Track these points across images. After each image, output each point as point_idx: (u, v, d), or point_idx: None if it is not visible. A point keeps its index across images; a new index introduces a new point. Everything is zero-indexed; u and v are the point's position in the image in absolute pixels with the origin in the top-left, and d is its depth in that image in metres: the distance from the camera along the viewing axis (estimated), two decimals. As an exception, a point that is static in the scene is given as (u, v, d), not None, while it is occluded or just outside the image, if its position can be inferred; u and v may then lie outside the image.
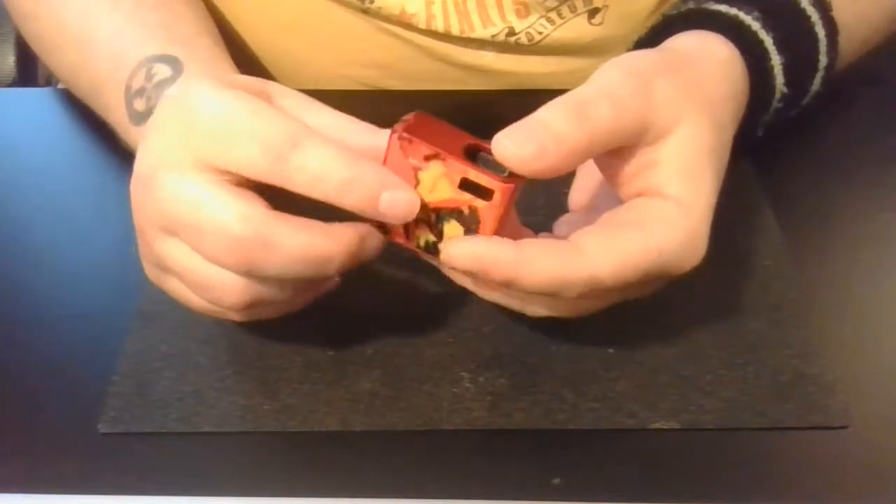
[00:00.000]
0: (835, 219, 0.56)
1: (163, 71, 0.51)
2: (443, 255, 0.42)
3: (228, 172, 0.41)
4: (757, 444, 0.45)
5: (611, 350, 0.48)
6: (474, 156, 0.42)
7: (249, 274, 0.41)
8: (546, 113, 0.41)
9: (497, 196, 0.41)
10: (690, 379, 0.47)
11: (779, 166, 0.58)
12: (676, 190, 0.43)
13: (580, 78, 0.46)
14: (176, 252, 0.42)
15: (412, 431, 0.45)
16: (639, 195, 0.44)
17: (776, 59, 0.53)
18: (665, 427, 0.45)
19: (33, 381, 0.48)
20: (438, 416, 0.46)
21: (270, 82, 0.45)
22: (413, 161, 0.41)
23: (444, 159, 0.41)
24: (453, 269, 0.42)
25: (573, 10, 0.64)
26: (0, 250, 0.55)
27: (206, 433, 0.45)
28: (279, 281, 0.42)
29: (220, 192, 0.41)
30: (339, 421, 0.45)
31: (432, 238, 0.43)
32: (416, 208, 0.41)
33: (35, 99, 0.70)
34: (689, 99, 0.45)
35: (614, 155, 0.44)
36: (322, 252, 0.41)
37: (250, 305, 0.43)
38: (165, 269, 0.44)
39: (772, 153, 0.57)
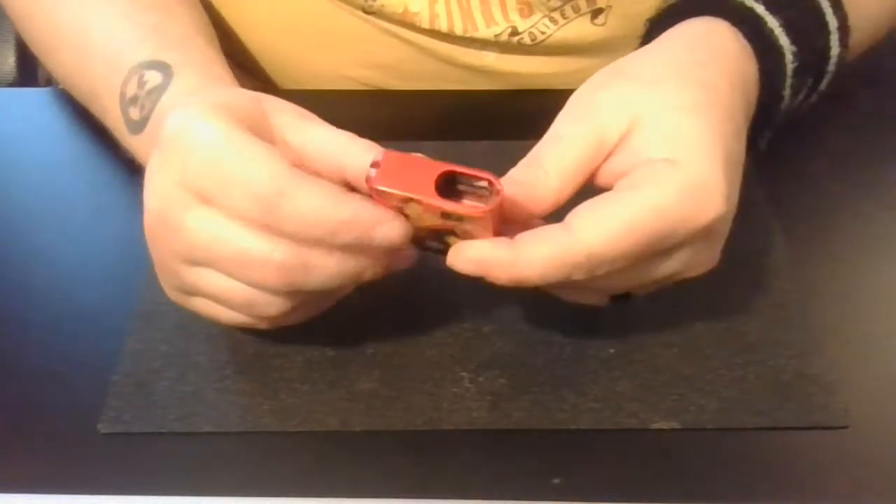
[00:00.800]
0: (835, 219, 0.56)
1: (154, 78, 0.51)
2: (448, 261, 0.43)
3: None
4: (757, 444, 0.45)
5: (611, 350, 0.48)
6: (453, 181, 0.41)
7: (291, 293, 0.43)
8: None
9: (479, 220, 0.41)
10: (690, 379, 0.47)
11: (779, 166, 0.58)
12: (661, 151, 0.43)
13: (582, 78, 0.46)
14: (208, 279, 0.43)
15: (412, 431, 0.45)
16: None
17: (773, 22, 0.52)
18: (665, 427, 0.45)
19: (33, 381, 0.48)
20: (438, 416, 0.46)
21: (266, 96, 0.45)
22: (393, 204, 0.41)
23: (418, 202, 0.41)
24: (459, 271, 0.43)
25: (576, 10, 0.64)
26: (0, 250, 0.55)
27: (206, 433, 0.45)
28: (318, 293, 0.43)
29: (244, 224, 0.41)
30: (339, 421, 0.45)
31: (441, 246, 0.43)
32: (409, 236, 0.42)
33: (35, 99, 0.70)
34: (644, 84, 0.45)
35: (603, 174, 0.45)
36: (356, 267, 0.42)
37: (289, 315, 0.44)
38: (195, 293, 0.45)
39: (772, 153, 0.57)
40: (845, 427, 0.45)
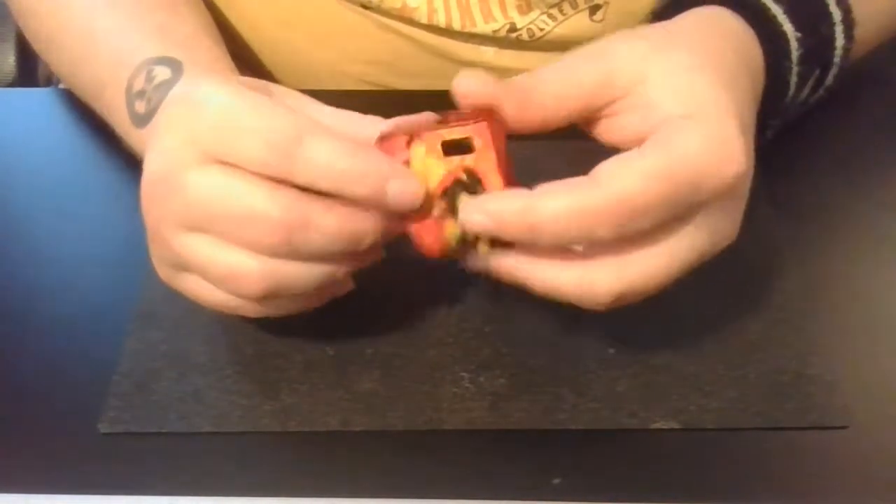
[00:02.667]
0: (835, 219, 0.56)
1: (163, 73, 0.51)
2: (460, 217, 0.42)
3: (238, 167, 0.41)
4: (757, 444, 0.45)
5: (611, 350, 0.48)
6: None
7: (290, 254, 0.42)
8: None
9: (478, 141, 0.42)
10: (690, 379, 0.47)
11: (779, 166, 0.58)
12: (677, 108, 0.43)
13: None
14: (198, 247, 0.43)
15: (412, 431, 0.45)
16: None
17: (776, 9, 0.52)
18: (665, 427, 0.45)
19: (33, 380, 0.48)
20: (438, 416, 0.46)
21: (272, 84, 0.45)
22: (399, 156, 0.42)
23: (418, 135, 0.42)
24: (474, 229, 0.42)
25: (574, 6, 0.64)
26: (0, 250, 0.55)
27: (206, 433, 0.45)
28: (304, 268, 0.43)
29: (249, 180, 0.41)
30: (339, 421, 0.45)
31: (459, 231, 0.43)
32: (422, 195, 0.41)
33: (35, 99, 0.70)
34: (658, 44, 0.45)
35: (607, 128, 0.44)
36: (357, 227, 0.42)
37: (270, 294, 0.43)
38: (184, 266, 0.44)
39: (772, 153, 0.57)
40: (845, 427, 0.45)
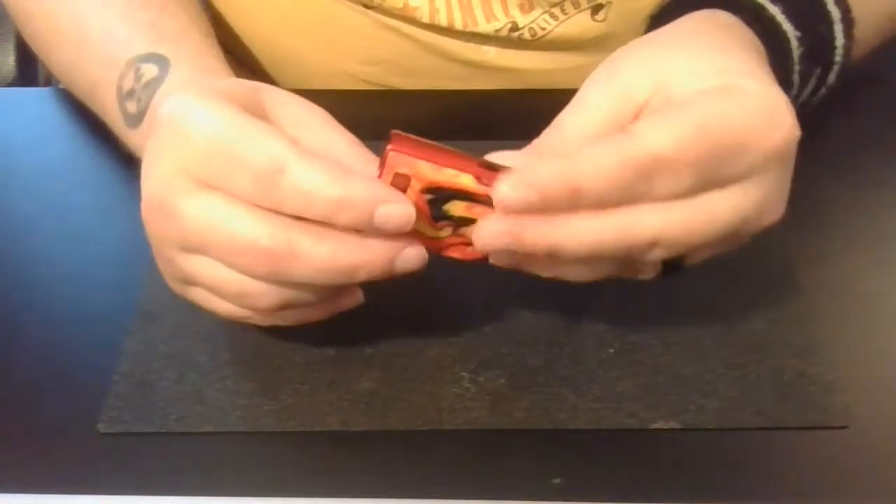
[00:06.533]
0: (835, 219, 0.56)
1: (150, 70, 0.51)
2: (496, 198, 0.40)
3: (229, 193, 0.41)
4: (757, 444, 0.45)
5: (611, 350, 0.48)
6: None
7: (278, 282, 0.42)
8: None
9: (403, 167, 0.41)
10: (690, 379, 0.47)
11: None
12: (714, 81, 0.42)
13: (582, 75, 0.46)
14: (202, 267, 0.43)
15: (412, 431, 0.45)
16: None
17: (774, 9, 0.52)
18: (665, 427, 0.45)
19: (33, 381, 0.48)
20: (438, 416, 0.46)
21: (263, 86, 0.45)
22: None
23: (425, 179, 0.41)
24: (517, 206, 0.40)
25: (577, 6, 0.64)
26: (0, 250, 0.55)
27: (206, 433, 0.45)
28: (309, 286, 0.43)
29: (237, 208, 0.41)
30: (339, 421, 0.45)
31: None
32: (412, 219, 0.41)
33: (35, 99, 0.70)
34: (666, 45, 0.45)
35: None
36: (347, 262, 0.41)
37: (281, 308, 0.43)
38: (191, 282, 0.44)
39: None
40: (845, 427, 0.45)
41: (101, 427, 0.45)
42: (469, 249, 0.43)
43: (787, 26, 0.52)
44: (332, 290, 0.44)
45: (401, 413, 0.46)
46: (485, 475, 0.44)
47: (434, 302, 0.50)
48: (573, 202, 0.39)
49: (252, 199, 0.41)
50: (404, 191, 0.41)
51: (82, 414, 0.46)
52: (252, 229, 0.40)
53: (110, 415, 0.46)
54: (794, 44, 0.53)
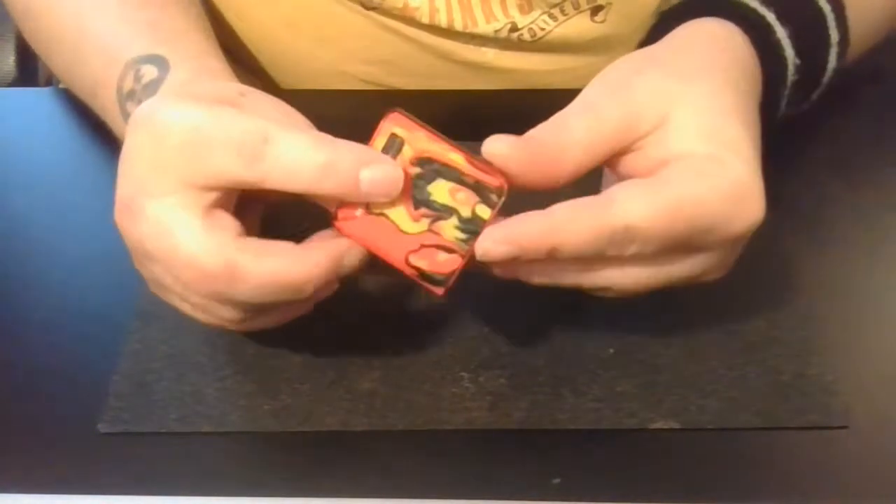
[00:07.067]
0: (835, 219, 0.56)
1: (150, 72, 0.51)
2: (479, 252, 0.41)
3: (210, 188, 0.41)
4: (757, 444, 0.45)
5: (611, 350, 0.48)
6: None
7: (221, 301, 0.42)
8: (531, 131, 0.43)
9: (401, 130, 0.42)
10: (690, 379, 0.47)
11: (779, 166, 0.58)
12: (703, 148, 0.43)
13: (582, 76, 0.46)
14: (164, 276, 0.43)
15: (412, 431, 0.45)
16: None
17: (781, 32, 0.52)
18: (665, 427, 0.45)
19: (33, 381, 0.48)
20: (438, 416, 0.46)
21: (252, 92, 0.45)
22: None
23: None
24: (495, 258, 0.41)
25: (576, 6, 0.64)
26: (0, 250, 0.55)
27: (206, 433, 0.45)
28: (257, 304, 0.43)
29: (192, 221, 0.41)
30: (339, 421, 0.45)
31: (462, 235, 0.42)
32: (400, 181, 0.41)
33: (35, 99, 0.70)
34: (681, 79, 0.44)
35: (628, 164, 0.44)
36: (291, 278, 0.41)
37: (245, 321, 0.43)
38: (161, 289, 0.44)
39: (772, 153, 0.56)
40: (845, 427, 0.45)
41: (101, 427, 0.45)
42: (440, 258, 0.42)
43: (790, 52, 0.53)
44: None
45: (401, 413, 0.46)
46: (485, 475, 0.44)
47: (434, 302, 0.50)
48: (550, 257, 0.41)
49: (237, 177, 0.40)
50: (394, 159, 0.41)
51: (82, 414, 0.46)
52: (193, 245, 0.41)
53: (110, 415, 0.46)
54: (791, 70, 0.53)
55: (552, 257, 0.41)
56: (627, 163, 0.44)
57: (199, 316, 0.44)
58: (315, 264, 0.41)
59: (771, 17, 0.52)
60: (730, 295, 0.51)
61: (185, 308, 0.44)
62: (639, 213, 0.41)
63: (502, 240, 0.41)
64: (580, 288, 0.44)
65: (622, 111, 0.43)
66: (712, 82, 0.45)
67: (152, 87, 0.50)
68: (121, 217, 0.43)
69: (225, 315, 0.43)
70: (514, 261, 0.41)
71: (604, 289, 0.44)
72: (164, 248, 0.41)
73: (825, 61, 0.55)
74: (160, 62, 0.51)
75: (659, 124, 0.43)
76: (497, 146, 0.41)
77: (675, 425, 0.45)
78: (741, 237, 0.43)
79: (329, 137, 0.41)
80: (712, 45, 0.48)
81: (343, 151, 0.41)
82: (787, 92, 0.54)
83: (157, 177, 0.41)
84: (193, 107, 0.42)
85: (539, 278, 0.43)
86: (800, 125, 0.58)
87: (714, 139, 0.43)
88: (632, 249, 0.41)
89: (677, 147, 0.43)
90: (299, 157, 0.40)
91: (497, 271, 0.43)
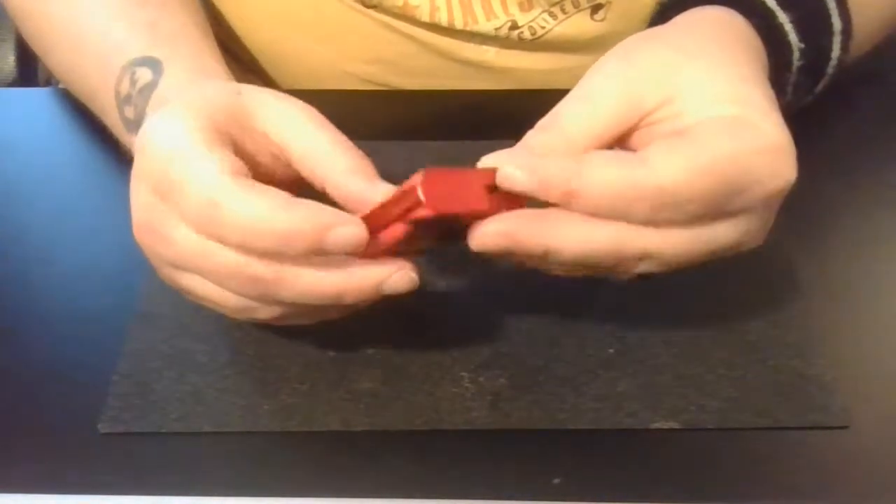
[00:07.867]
0: (835, 219, 0.56)
1: (144, 75, 0.51)
2: (502, 173, 0.40)
3: None
4: (757, 444, 0.45)
5: (611, 350, 0.48)
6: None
7: (267, 302, 0.42)
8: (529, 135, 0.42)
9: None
10: (690, 379, 0.47)
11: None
12: (729, 110, 0.42)
13: (582, 76, 0.46)
14: (199, 284, 0.43)
15: (412, 431, 0.45)
16: None
17: (783, 17, 0.52)
18: (665, 427, 0.45)
19: (33, 381, 0.48)
20: (438, 416, 0.46)
21: (250, 88, 0.45)
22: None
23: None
24: (514, 186, 0.40)
25: (576, 5, 0.64)
26: (0, 250, 0.55)
27: (206, 433, 0.45)
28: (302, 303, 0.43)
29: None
30: (339, 421, 0.45)
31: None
32: (365, 238, 0.40)
33: (35, 99, 0.70)
34: (685, 53, 0.44)
35: (642, 142, 0.43)
36: (333, 289, 0.41)
37: (284, 317, 0.44)
38: (189, 294, 0.45)
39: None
40: (845, 427, 0.45)
41: (101, 427, 0.45)
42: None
43: (793, 37, 0.52)
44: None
45: (401, 413, 0.46)
46: (485, 475, 0.44)
47: (434, 302, 0.50)
48: (565, 203, 0.40)
49: (203, 232, 0.41)
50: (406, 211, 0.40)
51: (82, 414, 0.46)
52: (237, 258, 0.41)
53: (110, 415, 0.46)
54: (796, 55, 0.53)
55: (566, 204, 0.39)
56: (641, 141, 0.43)
57: (240, 313, 0.44)
58: (358, 279, 0.41)
59: (772, 2, 0.52)
60: (730, 295, 0.51)
61: (218, 309, 0.45)
62: (675, 175, 0.39)
63: (525, 166, 0.39)
64: (621, 258, 0.41)
65: (619, 93, 0.43)
66: (720, 55, 0.44)
67: (147, 92, 0.50)
68: (142, 238, 0.44)
69: (265, 314, 0.43)
70: (544, 228, 0.40)
71: (644, 257, 0.42)
72: (206, 266, 0.42)
73: (829, 49, 0.55)
74: (154, 65, 0.51)
75: (666, 98, 0.42)
76: (511, 175, 0.40)
77: (675, 425, 0.45)
78: (777, 196, 0.42)
79: (291, 200, 0.40)
80: (716, 25, 0.48)
81: (304, 218, 0.40)
82: (792, 78, 0.53)
83: (158, 206, 0.42)
84: (174, 137, 0.42)
85: (571, 249, 0.41)
86: (800, 125, 0.58)
87: (738, 103, 0.42)
88: (665, 213, 0.40)
89: (697, 115, 0.42)
90: (255, 223, 0.40)
91: (526, 244, 0.41)
